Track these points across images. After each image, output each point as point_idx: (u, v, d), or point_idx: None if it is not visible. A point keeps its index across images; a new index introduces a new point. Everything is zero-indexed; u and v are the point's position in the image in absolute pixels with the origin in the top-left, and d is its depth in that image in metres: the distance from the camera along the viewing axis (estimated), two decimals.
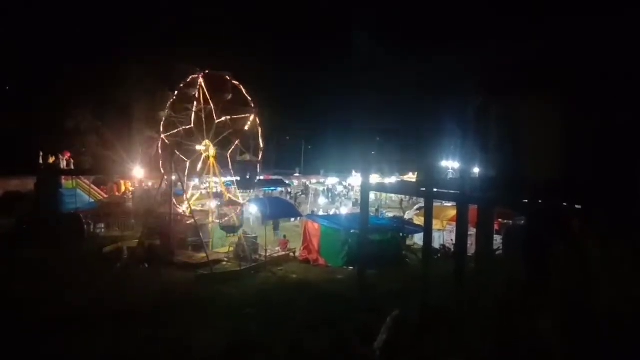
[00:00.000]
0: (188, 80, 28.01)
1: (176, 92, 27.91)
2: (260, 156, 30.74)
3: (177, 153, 27.41)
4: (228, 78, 28.56)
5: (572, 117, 9.05)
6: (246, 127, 29.69)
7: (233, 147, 30.07)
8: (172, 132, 28.35)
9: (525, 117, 9.87)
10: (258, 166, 31.32)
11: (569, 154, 9.07)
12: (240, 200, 28.87)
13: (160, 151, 28.11)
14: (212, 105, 28.71)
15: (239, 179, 31.52)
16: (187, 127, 28.75)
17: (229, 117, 29.27)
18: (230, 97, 28.75)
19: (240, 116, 29.43)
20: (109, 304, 15.27)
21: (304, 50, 70.82)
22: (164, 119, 28.02)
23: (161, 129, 28.01)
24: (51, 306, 14.77)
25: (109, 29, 46.65)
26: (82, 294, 16.30)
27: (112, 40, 45.10)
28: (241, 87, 28.94)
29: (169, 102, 28.05)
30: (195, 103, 28.69)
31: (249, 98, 29.32)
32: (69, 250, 22.94)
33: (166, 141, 28.01)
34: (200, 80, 28.30)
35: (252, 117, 29.70)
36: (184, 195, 27.19)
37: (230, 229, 25.62)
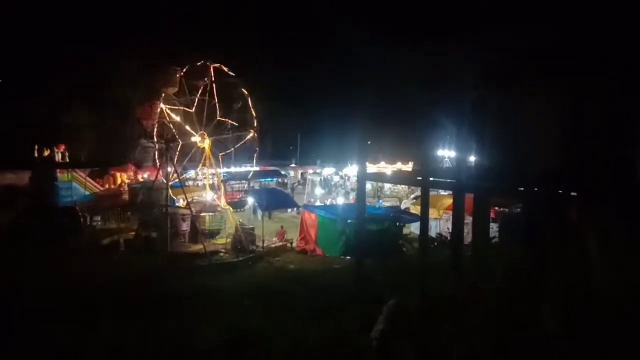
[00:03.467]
0: (199, 64, 27.81)
1: (184, 71, 27.63)
2: (255, 123, 30.49)
3: (174, 152, 27.28)
4: (208, 64, 28.32)
5: (571, 106, 9.06)
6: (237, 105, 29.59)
7: (227, 152, 30.08)
8: (172, 107, 28.02)
9: (524, 107, 9.88)
10: (255, 136, 31.17)
11: (567, 144, 9.09)
12: (222, 206, 28.75)
13: (157, 160, 27.90)
14: (216, 101, 28.59)
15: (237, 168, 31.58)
16: (187, 109, 28.52)
17: (230, 121, 29.19)
18: (240, 105, 28.67)
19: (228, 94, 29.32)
20: (107, 296, 15.29)
21: (298, 40, 70.48)
22: (155, 127, 27.69)
23: (154, 137, 27.70)
24: (50, 300, 14.78)
25: (105, 21, 46.31)
26: (80, 287, 16.32)
27: (108, 33, 44.79)
28: (222, 67, 28.64)
29: (175, 76, 27.62)
30: (200, 91, 28.43)
31: (231, 74, 29.13)
32: (66, 243, 22.93)
33: (166, 111, 27.64)
34: (212, 72, 28.08)
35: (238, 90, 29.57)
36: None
37: (238, 204, 25.83)
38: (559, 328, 4.23)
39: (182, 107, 28.46)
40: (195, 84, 28.46)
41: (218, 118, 28.83)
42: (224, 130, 29.43)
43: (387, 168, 46.18)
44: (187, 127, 28.44)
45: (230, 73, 29.04)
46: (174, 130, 28.12)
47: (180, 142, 28.21)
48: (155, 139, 27.49)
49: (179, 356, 11.48)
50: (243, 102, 29.15)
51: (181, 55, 29.20)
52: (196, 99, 28.60)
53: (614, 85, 8.24)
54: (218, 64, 28.45)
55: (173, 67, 27.84)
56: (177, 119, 28.35)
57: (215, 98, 28.80)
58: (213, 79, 28.40)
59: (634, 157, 7.74)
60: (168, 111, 27.95)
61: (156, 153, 27.88)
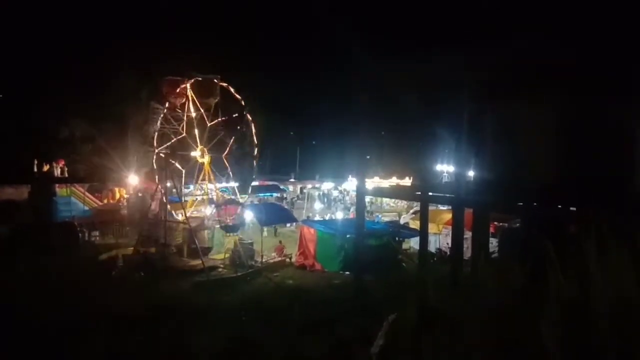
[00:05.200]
0: (177, 90, 27.84)
1: (167, 105, 27.71)
2: (256, 151, 30.66)
3: (173, 162, 27.26)
4: (215, 81, 28.44)
5: (567, 119, 9.11)
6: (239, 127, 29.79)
7: (227, 149, 30.08)
8: (166, 145, 28.11)
9: (521, 120, 9.93)
10: (254, 163, 31.22)
11: (564, 157, 9.12)
12: (240, 200, 28.71)
13: (155, 165, 27.94)
14: (202, 110, 28.58)
15: (236, 184, 31.46)
16: (180, 136, 28.54)
17: (221, 119, 29.16)
18: (217, 99, 28.63)
19: (232, 116, 29.38)
20: (105, 312, 15.18)
21: (297, 54, 71.00)
22: (156, 133, 27.77)
23: (154, 143, 27.76)
24: (47, 316, 14.66)
25: (102, 36, 46.65)
26: (78, 303, 16.20)
27: (105, 47, 45.05)
28: (230, 87, 28.80)
29: (160, 116, 27.80)
30: (185, 111, 28.48)
31: (238, 96, 29.22)
32: (64, 258, 22.82)
33: (161, 154, 27.78)
34: (188, 88, 28.10)
35: (244, 116, 29.69)
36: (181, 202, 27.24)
37: (231, 228, 25.69)
38: (558, 344, 4.20)
39: (184, 119, 28.43)
40: (176, 101, 28.44)
41: (209, 124, 28.71)
42: (218, 131, 29.42)
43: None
44: (188, 139, 28.42)
45: (237, 96, 29.15)
46: (175, 141, 28.14)
47: (180, 153, 28.22)
48: (155, 144, 27.42)
49: None
50: (247, 128, 29.37)
51: (182, 66, 29.21)
52: (183, 123, 28.62)
53: (613, 97, 8.29)
54: (226, 84, 28.58)
55: (182, 78, 27.85)
56: (193, 114, 28.30)
57: (201, 109, 28.74)
58: (192, 93, 28.42)
59: (632, 167, 7.76)
60: (190, 96, 28.02)
61: (154, 158, 27.73)
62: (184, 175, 28.82)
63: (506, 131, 10.77)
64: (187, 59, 32.80)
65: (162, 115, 27.53)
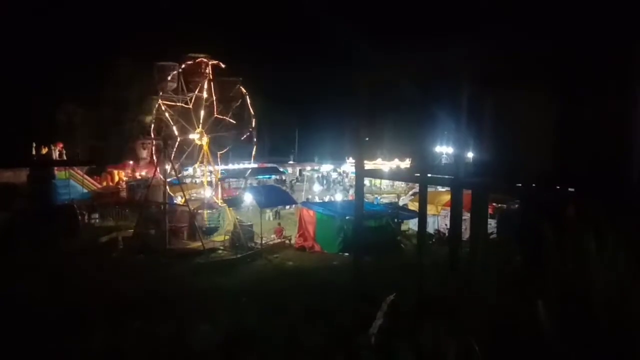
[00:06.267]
0: (196, 61, 27.73)
1: (182, 68, 27.62)
2: (253, 123, 30.83)
3: (172, 125, 27.33)
4: (238, 84, 28.40)
5: (566, 105, 9.06)
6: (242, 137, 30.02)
7: (225, 150, 30.25)
8: (168, 101, 28.03)
9: (522, 103, 9.86)
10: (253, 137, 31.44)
11: (563, 142, 9.09)
12: (219, 203, 28.63)
13: (155, 113, 28.05)
14: (214, 97, 28.47)
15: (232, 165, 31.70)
16: (185, 105, 28.42)
17: (229, 119, 29.08)
18: (238, 103, 28.70)
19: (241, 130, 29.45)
20: (105, 296, 15.25)
21: (296, 37, 70.42)
22: (161, 93, 27.68)
23: (160, 93, 27.63)
24: (47, 300, 14.73)
25: (103, 21, 46.28)
26: (78, 286, 16.28)
27: (105, 33, 44.74)
28: (247, 97, 28.77)
29: (173, 73, 27.68)
30: (198, 87, 28.38)
31: (252, 112, 29.16)
32: (64, 241, 22.87)
33: (162, 107, 27.70)
34: (209, 69, 27.99)
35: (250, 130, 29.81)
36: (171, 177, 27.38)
37: (209, 231, 25.80)
38: (555, 328, 4.23)
39: (195, 92, 28.36)
40: (193, 80, 28.39)
41: (215, 116, 28.71)
42: (221, 128, 29.41)
43: (384, 165, 45.52)
44: (192, 117, 28.37)
45: (222, 66, 28.86)
46: (178, 107, 28.14)
47: (178, 139, 28.19)
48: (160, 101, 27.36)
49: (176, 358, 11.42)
50: (242, 100, 29.15)
51: (181, 54, 28.98)
52: (194, 96, 28.52)
53: (612, 83, 8.23)
54: (216, 61, 28.33)
55: (205, 55, 27.73)
56: (205, 95, 28.17)
57: (214, 95, 28.68)
58: (211, 76, 28.31)
59: (631, 153, 7.74)
60: (208, 77, 28.02)
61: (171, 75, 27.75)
62: (174, 151, 28.65)
63: (506, 112, 10.71)
64: (187, 45, 32.54)
65: (174, 73, 27.48)
